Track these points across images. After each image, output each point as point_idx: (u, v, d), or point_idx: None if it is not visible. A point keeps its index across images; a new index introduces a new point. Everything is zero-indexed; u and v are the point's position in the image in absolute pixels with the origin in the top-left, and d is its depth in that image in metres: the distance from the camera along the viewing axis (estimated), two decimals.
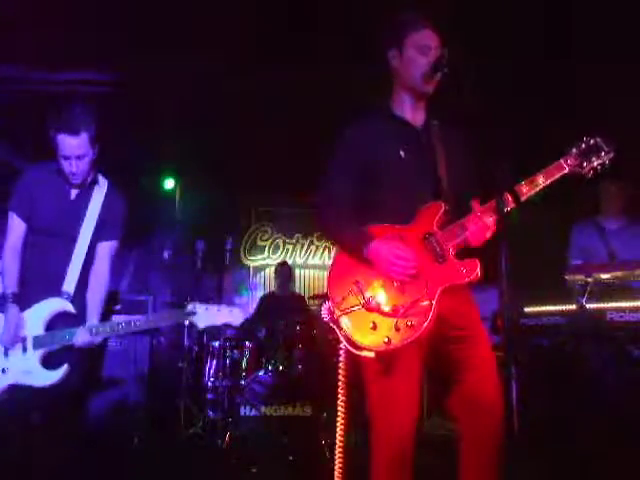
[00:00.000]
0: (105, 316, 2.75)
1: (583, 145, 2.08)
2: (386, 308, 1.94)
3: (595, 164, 2.07)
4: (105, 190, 2.84)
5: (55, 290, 2.67)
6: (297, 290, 7.12)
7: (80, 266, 2.71)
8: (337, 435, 2.12)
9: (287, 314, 5.17)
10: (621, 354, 3.14)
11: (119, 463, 3.96)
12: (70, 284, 2.68)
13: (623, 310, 3.15)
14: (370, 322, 1.94)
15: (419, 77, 2.11)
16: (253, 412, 4.38)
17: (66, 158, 2.66)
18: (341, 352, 2.07)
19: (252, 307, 7.02)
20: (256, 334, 5.39)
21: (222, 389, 4.75)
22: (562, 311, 3.39)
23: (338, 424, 2.11)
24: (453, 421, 2.08)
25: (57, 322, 2.67)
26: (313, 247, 7.62)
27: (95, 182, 2.83)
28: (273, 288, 7.04)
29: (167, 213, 7.17)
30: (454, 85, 1.99)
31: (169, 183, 7.08)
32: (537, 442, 3.05)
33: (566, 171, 2.06)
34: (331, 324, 1.99)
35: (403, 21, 2.20)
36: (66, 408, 2.65)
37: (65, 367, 2.59)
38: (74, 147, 2.64)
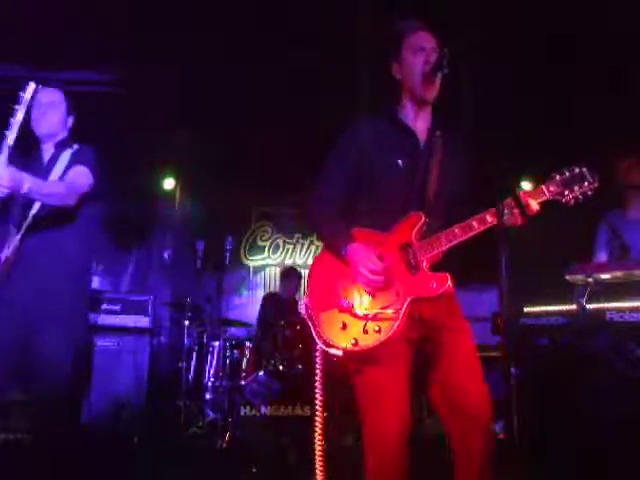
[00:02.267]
0: None
1: (567, 173, 2.05)
2: (357, 311, 2.01)
3: (577, 193, 2.04)
4: (73, 152, 2.85)
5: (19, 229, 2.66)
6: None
7: (35, 210, 2.66)
8: (316, 435, 2.14)
9: (288, 314, 5.17)
10: (621, 354, 3.14)
11: (119, 463, 3.95)
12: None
13: (623, 310, 3.15)
14: (340, 322, 2.01)
15: (418, 79, 2.10)
16: (253, 412, 4.38)
17: (37, 105, 2.75)
18: (317, 350, 2.11)
19: (252, 307, 7.03)
20: (256, 334, 5.40)
21: (222, 389, 4.75)
22: (562, 311, 3.39)
23: (316, 424, 2.14)
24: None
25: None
26: (313, 247, 7.61)
27: (67, 144, 2.87)
28: (274, 289, 7.05)
29: (167, 213, 7.17)
30: (454, 86, 2.00)
31: (169, 183, 7.08)
32: (537, 443, 3.05)
33: (547, 198, 2.05)
34: (307, 319, 2.07)
35: (398, 30, 2.21)
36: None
37: None
38: (47, 95, 2.77)
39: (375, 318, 1.97)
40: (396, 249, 2.04)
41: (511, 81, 4.79)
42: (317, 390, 2.14)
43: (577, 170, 2.05)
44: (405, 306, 1.96)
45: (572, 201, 2.05)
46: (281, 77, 5.29)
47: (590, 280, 3.24)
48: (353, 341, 1.96)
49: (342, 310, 2.02)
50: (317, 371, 2.14)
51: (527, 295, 3.51)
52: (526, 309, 3.51)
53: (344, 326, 2.00)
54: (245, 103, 5.56)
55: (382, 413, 1.98)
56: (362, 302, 2.01)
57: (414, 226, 2.04)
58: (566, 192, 2.04)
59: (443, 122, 2.19)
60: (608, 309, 3.18)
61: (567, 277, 3.32)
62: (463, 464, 1.97)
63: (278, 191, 6.96)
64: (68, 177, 2.75)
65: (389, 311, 1.96)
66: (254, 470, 3.87)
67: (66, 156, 2.83)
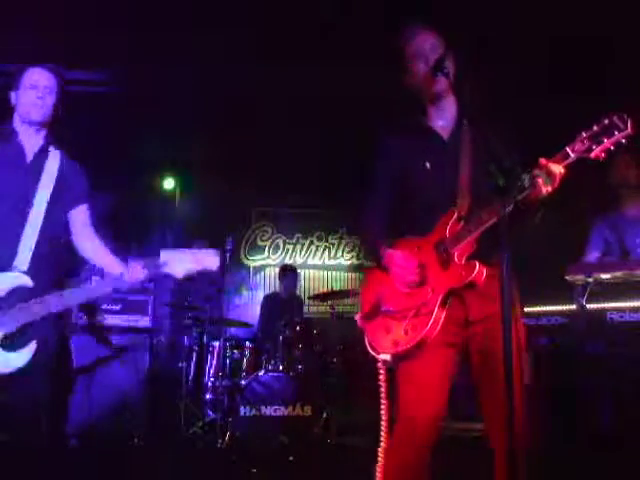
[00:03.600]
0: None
1: (595, 127, 1.80)
2: (396, 313, 2.08)
3: (609, 144, 1.78)
4: (59, 157, 2.61)
5: (6, 265, 2.37)
6: (297, 290, 7.12)
7: (35, 240, 2.42)
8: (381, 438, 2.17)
9: (288, 315, 5.18)
10: (621, 354, 3.14)
11: (119, 463, 3.95)
12: (22, 261, 2.38)
13: (623, 310, 3.15)
14: (384, 327, 2.09)
15: (422, 82, 2.13)
16: (253, 412, 4.38)
17: (33, 87, 2.52)
18: (379, 363, 2.14)
19: (252, 307, 7.03)
20: (257, 334, 5.39)
21: (222, 389, 4.74)
22: (562, 311, 3.40)
23: (382, 431, 2.16)
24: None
25: (10, 299, 2.32)
26: (313, 247, 7.62)
27: (50, 144, 2.62)
28: (274, 289, 7.04)
29: (167, 213, 7.17)
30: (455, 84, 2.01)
31: (169, 183, 7.08)
32: (536, 443, 3.04)
33: (572, 159, 1.82)
34: (361, 332, 2.17)
35: (400, 40, 2.22)
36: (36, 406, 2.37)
37: (33, 345, 2.27)
38: (44, 77, 2.55)
39: (413, 317, 2.01)
40: (431, 249, 2.07)
41: (513, 80, 4.80)
42: (382, 402, 2.16)
43: (606, 120, 1.79)
44: (440, 300, 1.98)
45: (603, 154, 1.79)
46: (282, 77, 5.29)
47: (590, 280, 3.24)
48: (395, 343, 2.03)
49: (385, 315, 2.10)
50: (381, 384, 2.15)
51: (527, 295, 3.51)
52: (526, 309, 3.51)
53: (388, 330, 2.07)
54: (245, 103, 5.56)
55: (413, 412, 2.04)
56: (401, 304, 2.07)
57: (447, 223, 2.06)
58: (594, 147, 1.79)
59: (470, 115, 2.13)
60: (608, 309, 3.18)
61: (567, 277, 3.32)
62: (500, 462, 2.01)
63: (278, 191, 6.96)
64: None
65: (425, 309, 2.00)
66: (254, 470, 3.87)
67: (55, 160, 2.59)
